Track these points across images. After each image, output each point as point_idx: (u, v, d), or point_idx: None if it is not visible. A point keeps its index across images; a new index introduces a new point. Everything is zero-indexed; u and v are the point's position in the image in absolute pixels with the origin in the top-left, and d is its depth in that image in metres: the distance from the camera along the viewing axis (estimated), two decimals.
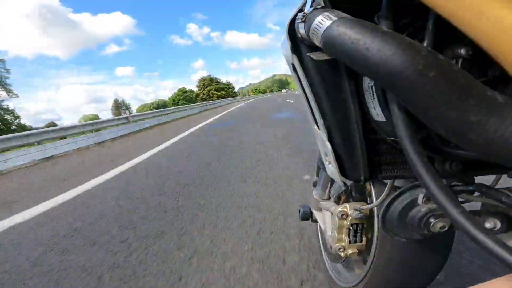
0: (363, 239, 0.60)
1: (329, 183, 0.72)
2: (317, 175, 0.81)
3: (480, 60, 0.24)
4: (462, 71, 0.21)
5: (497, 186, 0.41)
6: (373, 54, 0.23)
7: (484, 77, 0.23)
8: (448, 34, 0.25)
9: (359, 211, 0.57)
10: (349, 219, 0.58)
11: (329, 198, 0.73)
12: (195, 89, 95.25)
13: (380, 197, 0.49)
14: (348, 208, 0.58)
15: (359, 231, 0.60)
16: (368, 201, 0.61)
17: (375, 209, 0.56)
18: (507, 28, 0.17)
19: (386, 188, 0.48)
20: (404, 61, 0.21)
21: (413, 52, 0.21)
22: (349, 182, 0.41)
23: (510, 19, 0.17)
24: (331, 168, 0.42)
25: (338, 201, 0.69)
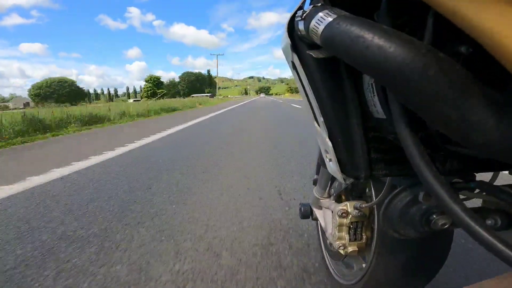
0: (363, 237, 0.60)
1: (329, 181, 0.72)
2: (317, 173, 0.81)
3: (480, 58, 0.24)
4: (462, 69, 0.21)
5: (498, 184, 0.41)
6: (373, 52, 0.22)
7: (484, 76, 0.23)
8: (448, 32, 0.24)
9: (359, 209, 0.57)
10: (349, 217, 0.58)
11: (329, 196, 0.73)
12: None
13: (380, 195, 0.49)
14: (348, 206, 0.58)
15: (359, 229, 0.60)
16: (368, 199, 0.61)
17: (375, 207, 0.56)
18: (507, 27, 0.17)
19: (386, 186, 0.48)
20: (404, 59, 0.21)
21: (413, 50, 0.21)
22: (349, 179, 0.41)
23: (510, 17, 0.17)
24: (332, 165, 0.41)
25: (338, 200, 0.69)
